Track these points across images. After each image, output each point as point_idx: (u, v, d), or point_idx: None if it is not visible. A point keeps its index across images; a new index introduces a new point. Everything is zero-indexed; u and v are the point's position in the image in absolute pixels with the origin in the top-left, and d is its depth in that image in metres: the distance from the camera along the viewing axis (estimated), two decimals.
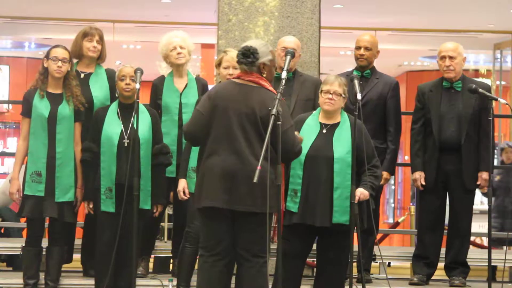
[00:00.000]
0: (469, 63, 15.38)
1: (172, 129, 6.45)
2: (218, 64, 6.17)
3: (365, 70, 6.67)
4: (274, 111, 5.03)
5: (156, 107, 6.45)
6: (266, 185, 4.98)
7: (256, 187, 5.00)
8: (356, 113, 5.80)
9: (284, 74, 5.28)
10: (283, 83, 5.22)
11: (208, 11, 8.17)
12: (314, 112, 5.99)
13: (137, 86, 5.96)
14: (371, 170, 5.80)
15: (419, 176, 6.58)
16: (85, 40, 6.46)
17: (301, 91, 6.50)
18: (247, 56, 5.25)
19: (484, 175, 6.52)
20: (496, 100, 6.39)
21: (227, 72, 6.05)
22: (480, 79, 14.69)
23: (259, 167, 4.84)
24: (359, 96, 5.90)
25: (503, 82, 13.75)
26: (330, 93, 5.81)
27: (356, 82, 6.03)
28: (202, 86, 6.57)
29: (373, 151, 5.88)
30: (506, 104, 6.61)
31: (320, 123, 5.88)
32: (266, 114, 5.13)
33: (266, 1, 7.14)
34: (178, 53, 6.52)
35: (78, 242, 6.66)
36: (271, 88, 5.31)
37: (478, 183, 6.56)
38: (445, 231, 6.75)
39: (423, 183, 6.56)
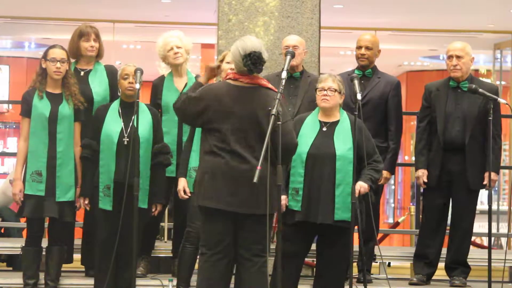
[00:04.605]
0: None
1: (172, 128, 6.45)
2: (221, 60, 6.18)
3: (367, 70, 6.68)
4: (274, 111, 5.03)
5: (156, 107, 6.46)
6: (267, 185, 4.97)
7: (258, 188, 5.01)
8: (356, 112, 5.82)
9: (284, 74, 5.29)
10: (283, 83, 5.23)
11: (208, 11, 8.17)
12: (313, 111, 6.01)
13: (137, 86, 5.96)
14: (372, 164, 5.82)
15: (422, 174, 6.59)
16: (82, 40, 6.46)
17: (308, 91, 6.48)
18: (259, 64, 5.22)
19: (491, 175, 6.50)
20: (496, 100, 6.39)
21: (229, 67, 6.05)
22: (480, 79, 14.70)
23: (258, 167, 4.85)
24: (359, 96, 5.92)
25: (503, 82, 13.73)
26: (325, 89, 5.85)
27: (356, 82, 6.04)
28: None
29: (373, 148, 5.91)
30: (506, 104, 6.61)
31: (320, 121, 5.90)
32: (267, 115, 5.13)
33: (266, 1, 7.14)
34: (175, 53, 6.53)
35: (78, 242, 6.67)
36: (270, 86, 5.31)
37: (484, 183, 6.53)
38: (447, 231, 6.75)
39: (425, 180, 6.57)
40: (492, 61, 13.79)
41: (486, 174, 6.49)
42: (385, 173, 6.58)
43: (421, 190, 7.12)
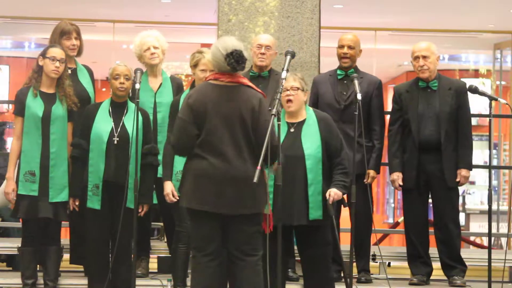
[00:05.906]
0: (469, 63, 15.38)
1: None
2: (194, 65, 6.14)
3: (349, 70, 6.67)
4: (274, 111, 5.03)
5: None
6: (254, 185, 4.94)
7: (243, 188, 5.03)
8: (356, 112, 5.82)
9: (284, 74, 5.31)
10: (283, 83, 5.24)
11: (208, 11, 8.17)
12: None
13: (137, 86, 5.97)
14: (341, 166, 5.79)
15: (397, 177, 6.60)
16: (63, 39, 6.45)
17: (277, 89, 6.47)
18: (241, 62, 5.21)
19: (463, 172, 6.55)
20: (496, 100, 6.40)
21: (203, 75, 6.00)
22: (480, 79, 14.73)
23: (258, 167, 4.84)
24: (359, 96, 5.93)
25: (503, 82, 13.74)
26: (287, 89, 5.81)
27: (356, 82, 6.04)
28: (177, 85, 6.57)
29: (341, 144, 5.86)
30: (506, 104, 6.61)
31: (287, 123, 5.87)
32: (251, 112, 5.15)
33: (266, 1, 7.14)
34: (152, 53, 6.52)
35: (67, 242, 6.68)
36: (251, 84, 5.31)
37: (457, 180, 6.56)
38: (432, 230, 6.75)
39: (401, 183, 6.58)
40: (492, 61, 13.80)
41: (458, 171, 6.53)
42: (371, 173, 6.60)
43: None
